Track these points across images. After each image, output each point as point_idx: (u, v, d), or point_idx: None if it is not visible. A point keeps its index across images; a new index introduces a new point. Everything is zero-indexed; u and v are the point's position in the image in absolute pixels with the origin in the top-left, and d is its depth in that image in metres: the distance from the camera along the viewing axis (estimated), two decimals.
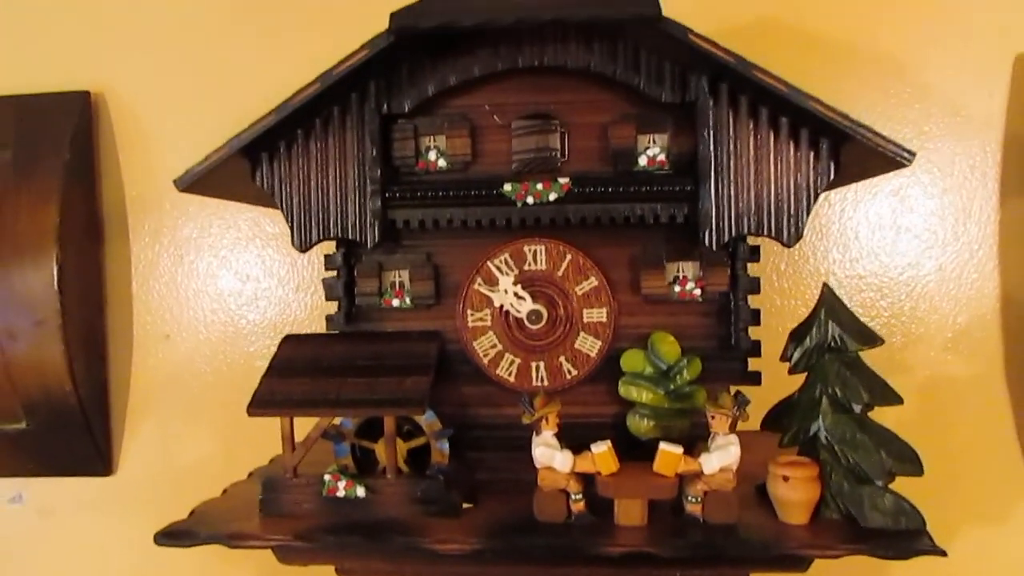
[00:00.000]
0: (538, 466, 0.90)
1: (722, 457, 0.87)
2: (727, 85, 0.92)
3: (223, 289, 1.45)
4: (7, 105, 1.42)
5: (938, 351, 1.33)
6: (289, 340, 1.03)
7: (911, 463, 0.86)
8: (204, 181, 0.96)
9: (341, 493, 0.93)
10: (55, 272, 1.34)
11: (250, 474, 1.11)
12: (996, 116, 1.30)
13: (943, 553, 0.82)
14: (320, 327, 1.36)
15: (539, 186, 0.96)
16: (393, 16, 0.88)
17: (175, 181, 0.95)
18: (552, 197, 0.96)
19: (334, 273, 1.04)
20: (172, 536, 0.90)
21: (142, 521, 1.43)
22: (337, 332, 1.05)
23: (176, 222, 1.45)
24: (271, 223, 1.44)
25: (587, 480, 0.90)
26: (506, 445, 1.00)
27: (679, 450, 0.87)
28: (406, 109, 0.97)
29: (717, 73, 0.92)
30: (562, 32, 0.93)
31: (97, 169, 1.44)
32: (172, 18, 1.43)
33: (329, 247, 1.03)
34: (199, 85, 1.43)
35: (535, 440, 0.90)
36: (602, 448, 0.88)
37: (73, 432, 1.40)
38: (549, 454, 0.89)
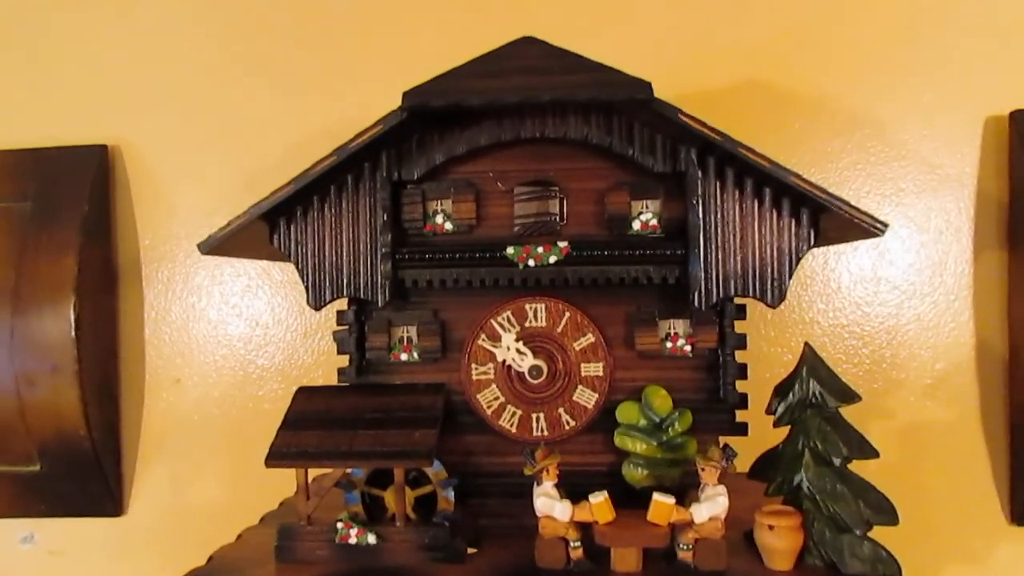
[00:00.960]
0: (539, 515, 0.94)
1: (711, 508, 0.92)
2: (714, 158, 0.99)
3: (233, 335, 1.50)
4: (27, 158, 1.48)
5: (918, 397, 1.40)
6: (302, 392, 1.08)
7: (887, 514, 0.92)
8: (225, 245, 1.02)
9: (353, 540, 0.97)
10: (72, 320, 1.39)
11: (262, 519, 1.15)
12: (969, 175, 1.38)
13: None
14: (327, 372, 1.41)
15: (540, 249, 1.02)
16: (405, 95, 0.95)
17: (199, 245, 1.01)
18: (552, 260, 1.02)
19: (346, 328, 1.10)
20: None
21: (151, 561, 1.49)
22: (348, 384, 1.10)
23: (188, 270, 1.51)
24: (280, 271, 1.49)
25: (585, 528, 0.95)
26: (508, 492, 1.06)
27: (671, 500, 0.92)
28: (415, 177, 1.03)
29: (705, 147, 0.99)
30: (562, 108, 1.00)
31: (114, 220, 1.50)
32: (186, 75, 1.50)
33: (340, 302, 1.09)
34: (213, 139, 1.49)
35: (536, 490, 0.95)
36: (599, 499, 0.93)
37: (86, 474, 1.45)
38: (549, 504, 0.94)
